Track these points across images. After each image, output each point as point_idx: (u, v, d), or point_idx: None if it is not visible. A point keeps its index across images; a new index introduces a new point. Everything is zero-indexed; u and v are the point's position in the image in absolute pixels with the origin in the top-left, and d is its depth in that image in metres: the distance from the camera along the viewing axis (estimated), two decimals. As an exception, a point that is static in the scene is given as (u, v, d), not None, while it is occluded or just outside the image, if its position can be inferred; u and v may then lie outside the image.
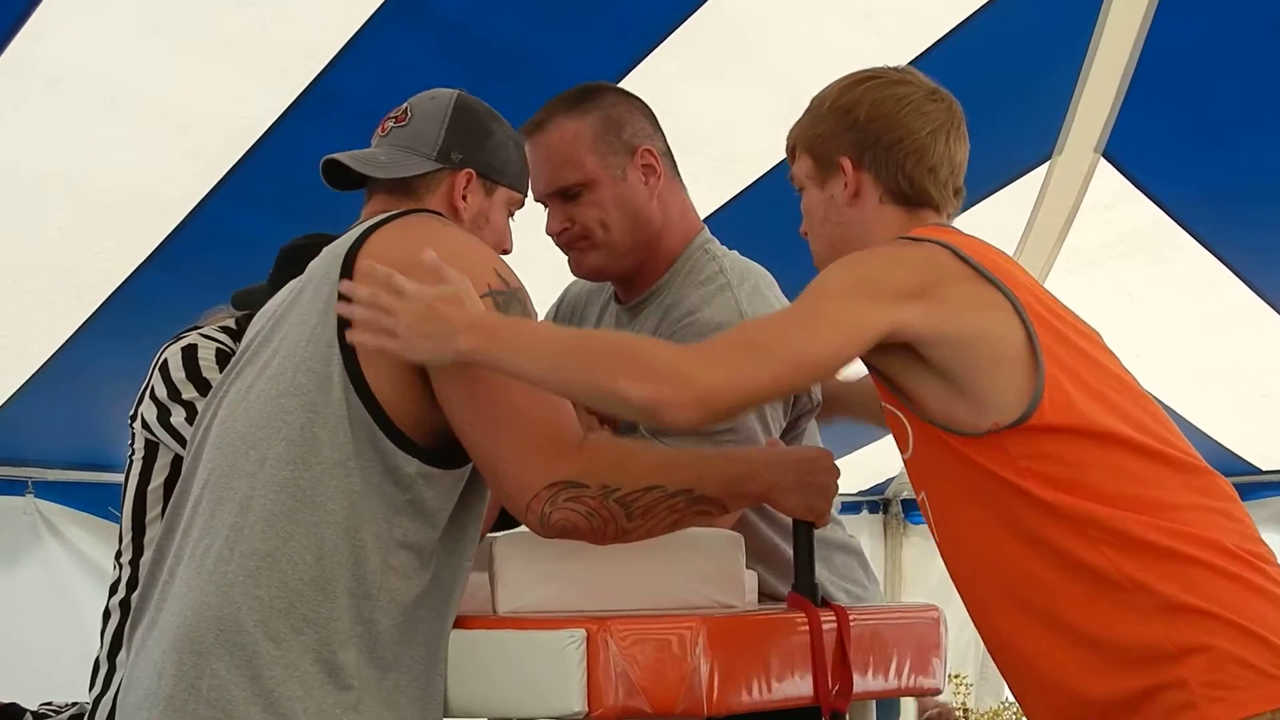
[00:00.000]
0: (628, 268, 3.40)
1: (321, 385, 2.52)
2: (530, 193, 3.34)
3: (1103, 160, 6.78)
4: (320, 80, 4.99)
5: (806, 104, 2.94)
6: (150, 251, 5.44)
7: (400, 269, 2.55)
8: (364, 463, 2.51)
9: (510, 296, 2.60)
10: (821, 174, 2.90)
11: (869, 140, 2.84)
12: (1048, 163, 6.86)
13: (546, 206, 3.38)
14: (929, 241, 2.70)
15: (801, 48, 5.79)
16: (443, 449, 2.57)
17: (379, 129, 2.91)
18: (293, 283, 2.75)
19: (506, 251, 2.89)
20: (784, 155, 6.09)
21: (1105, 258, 6.90)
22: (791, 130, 2.98)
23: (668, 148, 3.44)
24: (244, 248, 5.39)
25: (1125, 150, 6.72)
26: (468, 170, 2.84)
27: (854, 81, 2.92)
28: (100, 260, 5.49)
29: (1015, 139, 6.75)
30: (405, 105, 2.91)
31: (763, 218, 6.08)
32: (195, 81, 4.95)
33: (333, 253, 2.66)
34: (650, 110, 3.44)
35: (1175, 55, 6.21)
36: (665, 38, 5.40)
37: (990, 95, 6.29)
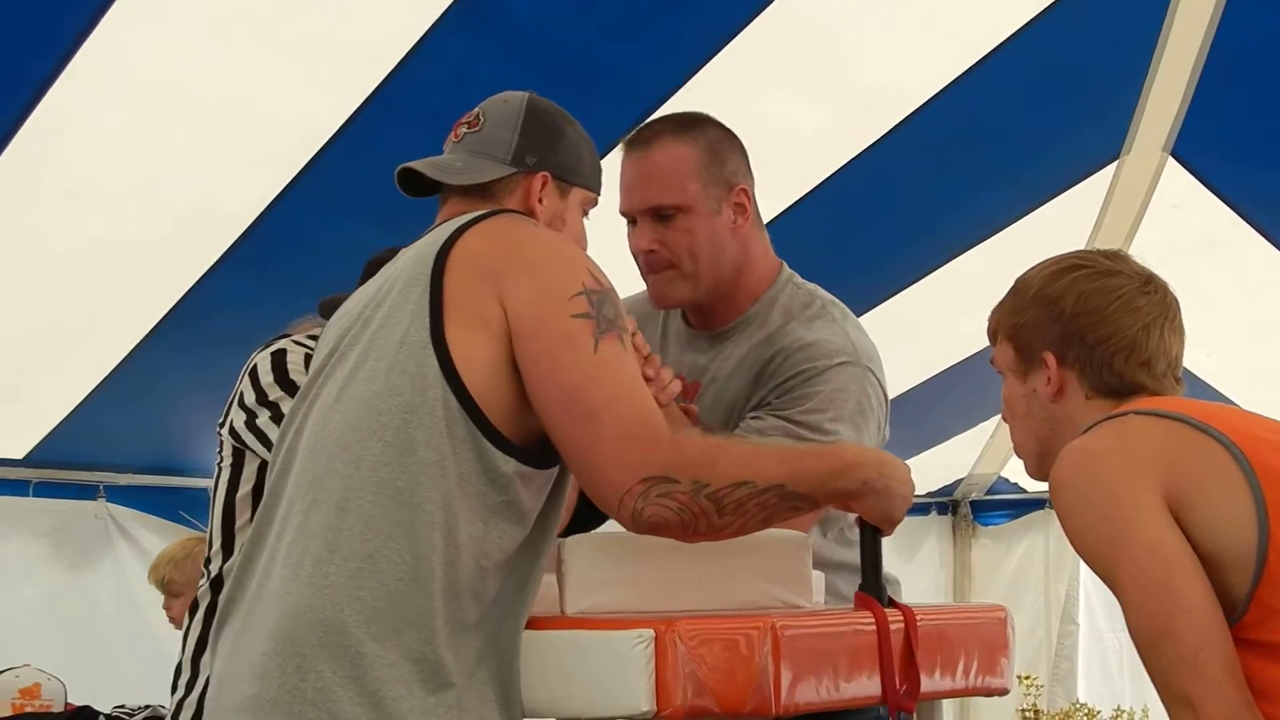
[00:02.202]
0: (708, 300, 3.42)
1: (416, 386, 2.52)
2: (621, 206, 3.38)
3: (1171, 159, 6.75)
4: (387, 84, 5.01)
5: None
6: (219, 255, 5.49)
7: (494, 270, 2.57)
8: (461, 463, 2.51)
9: (604, 296, 2.59)
10: (1023, 366, 2.80)
11: (1074, 336, 2.73)
12: (1115, 162, 6.84)
13: (633, 222, 3.38)
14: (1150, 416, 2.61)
15: (867, 50, 5.79)
16: (537, 448, 2.57)
17: (452, 134, 2.90)
18: (371, 284, 2.73)
19: (582, 250, 2.89)
20: (848, 158, 6.13)
21: (1174, 258, 6.85)
22: (993, 313, 2.88)
23: (754, 191, 3.44)
24: (313, 251, 5.45)
25: (1194, 149, 6.69)
26: (543, 173, 2.84)
27: (1061, 269, 2.81)
28: (170, 265, 5.54)
29: (1083, 139, 6.73)
30: (477, 110, 2.90)
31: (826, 222, 6.12)
32: (263, 86, 4.99)
33: (420, 254, 2.64)
34: (746, 151, 3.44)
35: (1244, 52, 6.18)
36: (729, 42, 5.40)
37: (1057, 95, 6.29)
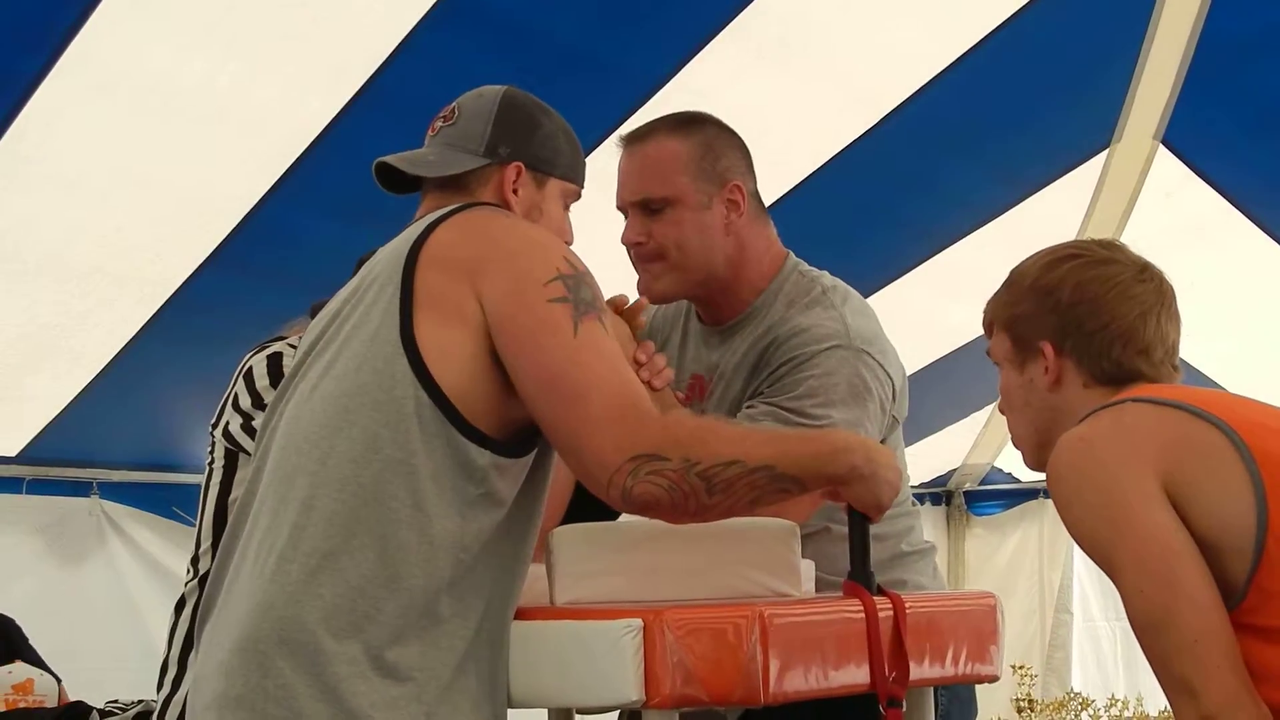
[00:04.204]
0: (697, 294, 3.45)
1: (384, 384, 2.52)
2: (616, 200, 3.40)
3: (1162, 147, 6.75)
4: (375, 79, 5.01)
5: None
6: (209, 252, 5.48)
7: (468, 264, 2.57)
8: (434, 460, 2.51)
9: (579, 279, 2.59)
10: (1020, 356, 2.81)
11: (1072, 324, 2.74)
12: (1106, 150, 6.84)
13: (626, 215, 3.41)
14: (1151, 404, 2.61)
15: (855, 41, 5.79)
16: (512, 438, 2.58)
17: (430, 129, 2.91)
18: (353, 282, 2.74)
19: (568, 243, 2.88)
20: (837, 149, 6.13)
21: (1166, 245, 6.85)
22: (988, 304, 2.89)
23: (756, 189, 3.46)
24: (302, 247, 5.45)
25: (1185, 137, 6.70)
26: (516, 164, 2.83)
27: (1057, 259, 2.81)
28: (160, 261, 5.54)
29: (1074, 127, 6.74)
30: (454, 104, 2.91)
31: (817, 213, 6.12)
32: (251, 82, 4.99)
33: (395, 251, 2.65)
34: (748, 150, 3.46)
35: (1234, 39, 6.19)
36: (717, 34, 5.40)
37: (1047, 84, 6.30)
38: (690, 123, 3.42)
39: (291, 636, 2.44)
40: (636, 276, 3.43)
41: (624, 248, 3.42)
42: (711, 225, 3.36)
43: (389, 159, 2.83)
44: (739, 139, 3.45)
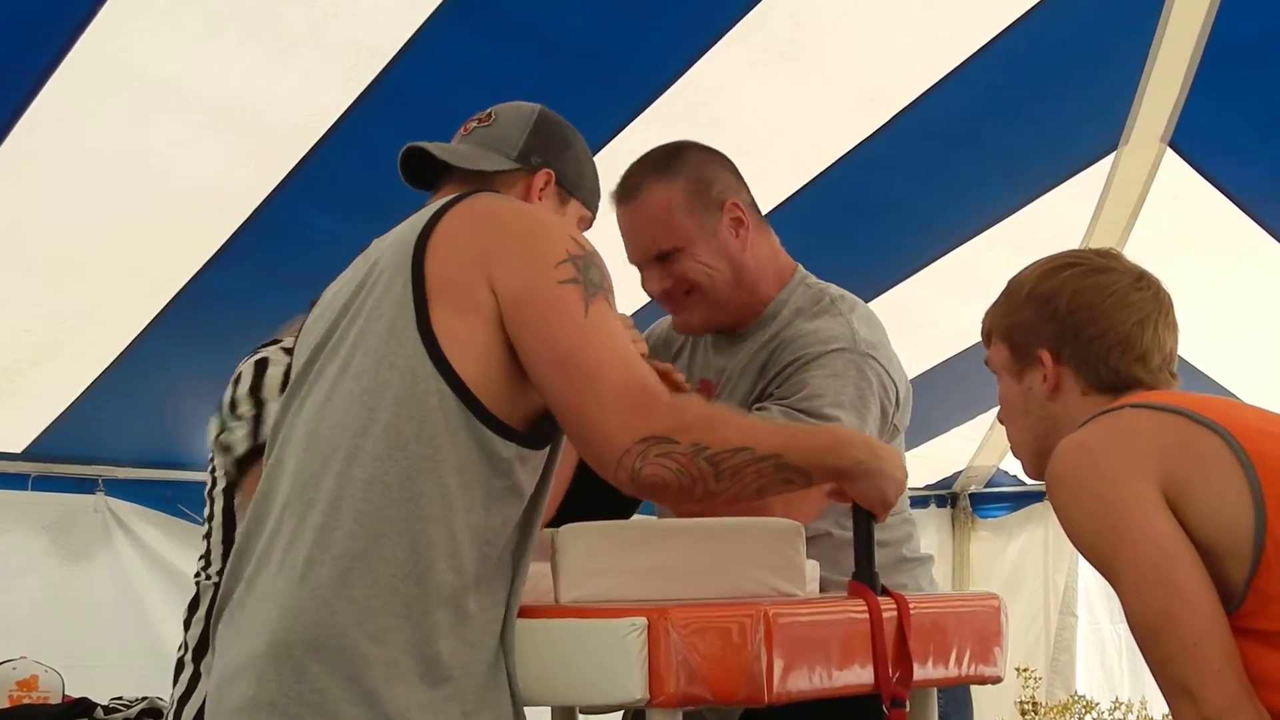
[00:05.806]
0: (730, 316, 3.48)
1: (405, 379, 2.51)
2: (628, 257, 3.43)
3: (1169, 151, 6.74)
4: (383, 77, 5.00)
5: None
6: (216, 249, 5.48)
7: (479, 251, 2.57)
8: (459, 453, 2.50)
9: (588, 260, 2.59)
10: (1019, 364, 2.83)
11: (1069, 333, 2.77)
12: (1113, 154, 6.83)
13: (642, 270, 3.44)
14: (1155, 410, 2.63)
15: (862, 42, 5.79)
16: (533, 430, 2.58)
17: (461, 129, 2.94)
18: (355, 274, 2.72)
19: None
20: (846, 150, 6.13)
21: (1173, 249, 6.87)
22: (986, 314, 2.91)
23: (751, 198, 3.49)
24: (309, 245, 5.43)
25: (1192, 140, 6.68)
26: (547, 171, 2.87)
27: (1054, 268, 2.84)
28: (167, 258, 5.54)
29: (1080, 130, 6.73)
30: (491, 110, 2.94)
31: (825, 212, 6.12)
32: (260, 79, 4.98)
33: (401, 240, 2.64)
34: (732, 163, 3.49)
35: (1242, 42, 6.18)
36: (724, 34, 5.39)
37: (1056, 86, 6.29)
38: (671, 160, 3.44)
39: (326, 641, 2.43)
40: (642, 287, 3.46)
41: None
42: (726, 248, 3.41)
43: (424, 144, 2.84)
44: (720, 156, 3.49)
